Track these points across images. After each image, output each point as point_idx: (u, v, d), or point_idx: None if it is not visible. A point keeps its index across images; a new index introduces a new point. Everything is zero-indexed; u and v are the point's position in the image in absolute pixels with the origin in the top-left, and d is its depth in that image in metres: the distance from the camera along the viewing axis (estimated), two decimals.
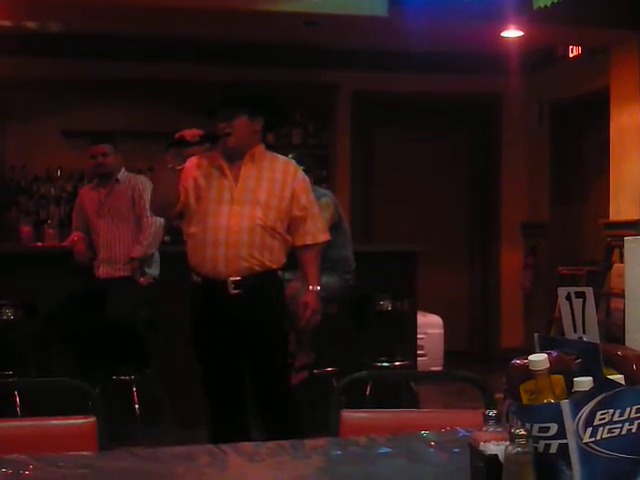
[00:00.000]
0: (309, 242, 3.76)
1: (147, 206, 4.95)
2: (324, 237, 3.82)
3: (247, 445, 1.91)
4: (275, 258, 3.65)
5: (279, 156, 3.79)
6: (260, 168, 3.66)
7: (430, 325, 6.67)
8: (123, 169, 5.13)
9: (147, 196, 4.98)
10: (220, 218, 3.56)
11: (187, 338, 3.73)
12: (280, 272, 3.71)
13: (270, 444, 1.92)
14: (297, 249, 3.78)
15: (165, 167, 3.57)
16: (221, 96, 3.71)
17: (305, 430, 3.25)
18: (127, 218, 5.02)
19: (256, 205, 3.59)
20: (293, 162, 3.81)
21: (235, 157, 3.65)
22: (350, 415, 2.22)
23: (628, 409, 1.41)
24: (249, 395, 3.76)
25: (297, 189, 3.69)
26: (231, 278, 3.55)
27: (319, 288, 3.78)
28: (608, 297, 6.10)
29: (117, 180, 5.08)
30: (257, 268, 3.58)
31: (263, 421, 3.77)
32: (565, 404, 1.40)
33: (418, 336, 5.80)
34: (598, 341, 1.53)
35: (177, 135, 3.52)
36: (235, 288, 3.55)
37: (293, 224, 3.72)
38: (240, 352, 3.67)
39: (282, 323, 3.74)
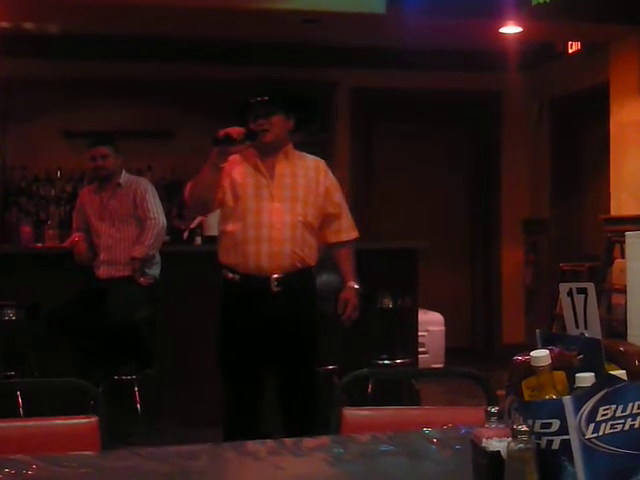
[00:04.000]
0: (344, 239, 3.81)
1: (150, 207, 4.96)
2: (356, 234, 3.87)
3: (249, 444, 1.91)
4: (312, 255, 3.68)
5: (308, 155, 3.80)
6: (294, 165, 3.69)
7: (431, 322, 6.67)
8: (124, 172, 5.10)
9: (149, 198, 5.00)
10: (261, 215, 3.57)
11: (212, 339, 3.68)
12: (313, 270, 3.72)
13: (271, 442, 1.91)
14: (331, 246, 3.81)
15: (209, 164, 3.55)
16: (256, 92, 3.69)
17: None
18: (128, 221, 5.01)
19: (296, 201, 3.62)
20: (322, 161, 3.81)
21: (269, 154, 3.66)
22: (351, 413, 2.21)
23: (630, 405, 1.40)
24: (266, 396, 3.73)
25: (330, 187, 3.74)
26: (274, 275, 3.55)
27: (357, 285, 3.82)
28: (609, 293, 6.10)
29: (119, 185, 5.05)
30: (298, 264, 3.60)
31: (285, 420, 3.71)
32: (567, 400, 1.40)
33: (419, 333, 5.80)
34: (600, 337, 1.52)
35: (222, 132, 3.46)
36: (277, 285, 3.56)
37: (326, 221, 3.76)
38: (269, 352, 3.64)
39: (316, 321, 3.74)
